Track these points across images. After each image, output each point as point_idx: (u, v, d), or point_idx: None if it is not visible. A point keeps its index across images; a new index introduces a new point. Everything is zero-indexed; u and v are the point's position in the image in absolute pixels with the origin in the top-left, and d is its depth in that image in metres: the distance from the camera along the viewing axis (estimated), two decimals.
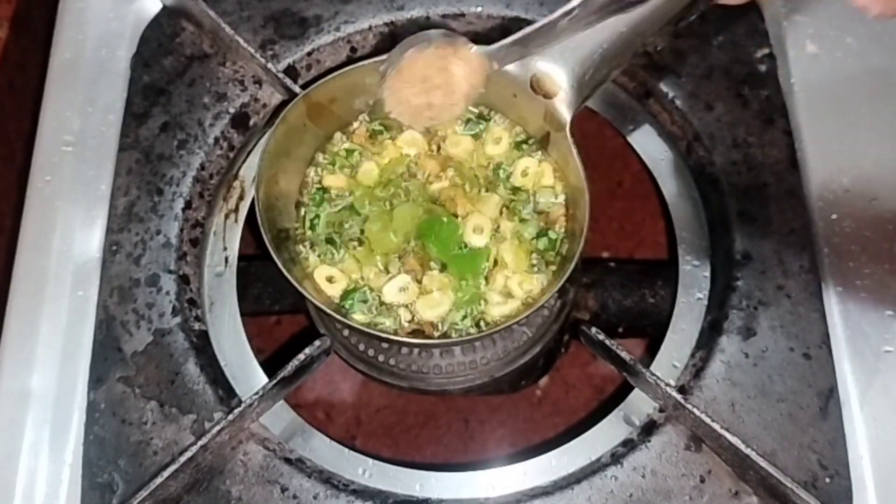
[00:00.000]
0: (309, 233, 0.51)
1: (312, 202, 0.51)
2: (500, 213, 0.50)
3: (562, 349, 0.65)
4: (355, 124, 0.53)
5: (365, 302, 0.49)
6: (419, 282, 0.49)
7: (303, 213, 0.51)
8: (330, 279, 0.49)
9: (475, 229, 0.50)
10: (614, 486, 0.48)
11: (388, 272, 0.49)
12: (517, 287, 0.49)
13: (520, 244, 0.49)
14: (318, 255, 0.50)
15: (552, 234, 0.50)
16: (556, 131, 0.49)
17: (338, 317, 0.47)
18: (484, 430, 0.74)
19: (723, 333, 0.51)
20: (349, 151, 0.52)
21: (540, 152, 0.51)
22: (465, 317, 0.48)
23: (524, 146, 0.52)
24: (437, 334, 0.48)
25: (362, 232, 0.50)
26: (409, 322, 0.49)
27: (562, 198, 0.51)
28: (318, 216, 0.51)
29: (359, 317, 0.48)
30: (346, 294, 0.49)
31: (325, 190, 0.51)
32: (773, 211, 0.54)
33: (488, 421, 0.74)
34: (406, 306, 0.49)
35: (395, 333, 0.48)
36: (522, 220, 0.50)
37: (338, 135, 0.53)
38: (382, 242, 0.50)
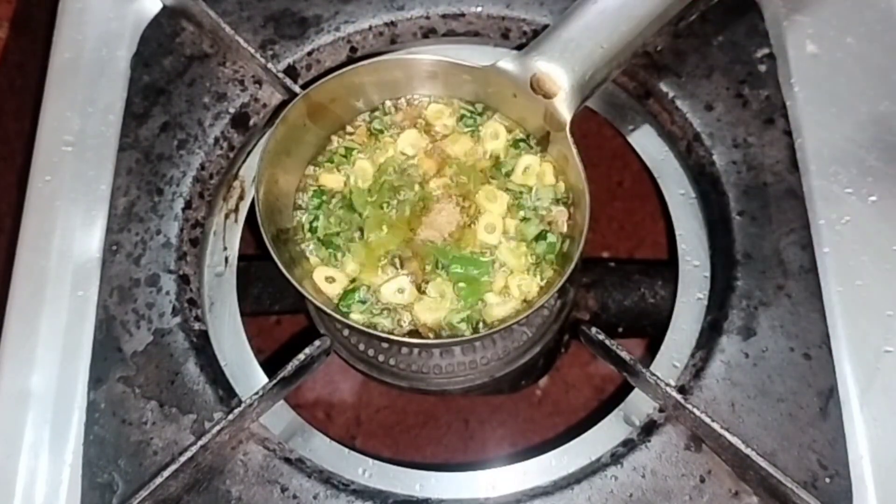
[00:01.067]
0: (308, 234, 0.51)
1: (311, 204, 0.51)
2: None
3: (562, 349, 0.65)
4: (357, 122, 0.53)
5: (364, 302, 0.49)
6: (419, 285, 0.49)
7: (302, 214, 0.51)
8: (329, 279, 0.49)
9: (487, 228, 0.49)
10: (614, 486, 0.48)
11: (387, 273, 0.49)
12: (516, 288, 0.49)
13: (520, 244, 0.49)
14: (318, 256, 0.50)
15: (551, 238, 0.49)
16: (556, 131, 0.49)
17: (338, 317, 0.47)
18: (484, 430, 0.74)
19: (723, 333, 0.51)
20: (348, 150, 0.52)
21: (540, 151, 0.51)
22: (462, 320, 0.48)
23: (522, 144, 0.52)
24: (432, 336, 0.48)
25: (361, 231, 0.50)
26: (407, 324, 0.49)
27: (563, 198, 0.51)
28: (317, 218, 0.51)
29: (357, 317, 0.48)
30: (345, 294, 0.49)
31: (322, 191, 0.51)
32: (773, 211, 0.54)
33: (488, 421, 0.74)
34: (404, 308, 0.49)
35: (393, 334, 0.48)
36: (524, 220, 0.50)
37: (339, 133, 0.53)
38: (381, 243, 0.50)
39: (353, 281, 0.49)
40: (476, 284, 0.49)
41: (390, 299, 0.49)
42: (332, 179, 0.52)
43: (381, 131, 0.52)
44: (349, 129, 0.53)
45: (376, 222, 0.50)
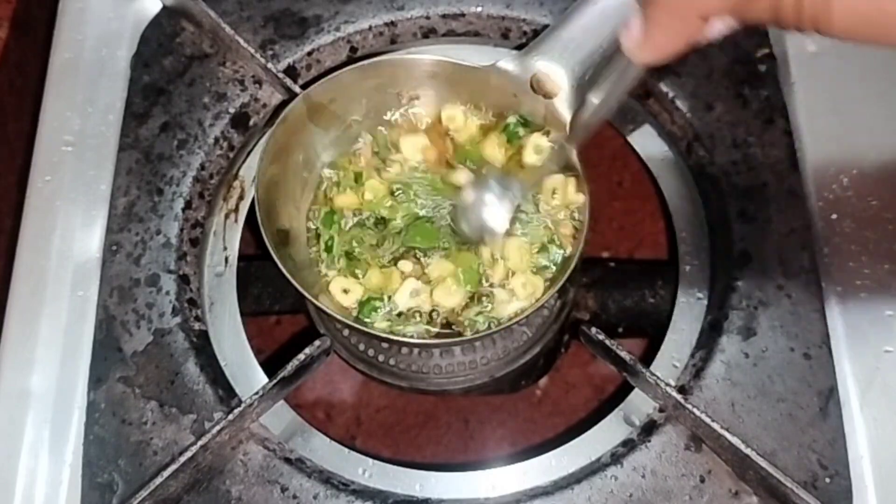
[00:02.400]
0: (325, 255, 0.51)
1: (324, 225, 0.51)
2: None
3: (562, 349, 0.65)
4: (359, 143, 0.53)
5: (378, 311, 0.49)
6: (426, 280, 0.49)
7: (316, 235, 0.51)
8: (346, 291, 0.49)
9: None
10: (614, 486, 0.48)
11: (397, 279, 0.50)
12: (520, 288, 0.49)
13: (523, 243, 0.49)
14: (336, 269, 0.50)
15: (553, 249, 0.49)
16: (557, 131, 0.49)
17: (338, 316, 0.47)
18: (484, 430, 0.74)
19: (723, 333, 0.51)
20: (357, 175, 0.52)
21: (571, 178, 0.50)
22: (479, 313, 0.48)
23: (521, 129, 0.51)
24: (465, 324, 0.48)
25: (378, 243, 0.50)
26: (433, 323, 0.49)
27: (574, 214, 0.50)
28: (332, 237, 0.51)
29: (382, 325, 0.49)
30: (362, 305, 0.49)
31: (334, 212, 0.52)
32: (773, 211, 0.54)
33: (488, 421, 0.74)
34: (422, 312, 0.49)
35: (422, 338, 0.49)
36: (536, 224, 0.50)
37: (346, 155, 0.53)
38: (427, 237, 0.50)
39: (368, 290, 0.50)
40: (471, 272, 0.49)
41: (406, 305, 0.49)
42: (345, 200, 0.52)
43: (387, 149, 0.53)
44: (353, 150, 0.53)
45: (412, 225, 0.50)
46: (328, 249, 0.51)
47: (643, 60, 0.33)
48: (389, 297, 0.49)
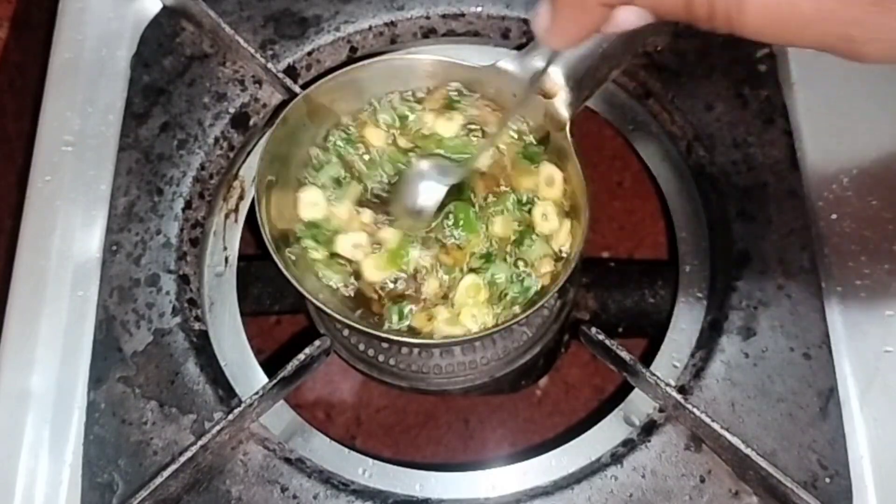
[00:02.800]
0: (313, 171, 0.50)
1: (336, 144, 0.51)
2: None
3: (562, 349, 0.65)
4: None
5: (320, 242, 0.49)
6: (373, 241, 0.49)
7: (319, 149, 0.51)
8: (313, 204, 0.49)
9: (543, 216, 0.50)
10: (614, 486, 0.48)
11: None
12: (469, 320, 0.48)
13: (474, 281, 0.49)
14: (320, 187, 0.50)
15: (528, 282, 0.48)
16: (556, 131, 0.50)
17: (338, 317, 0.47)
18: (484, 430, 0.74)
19: (723, 333, 0.51)
20: (411, 109, 0.52)
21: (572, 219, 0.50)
22: (400, 315, 0.48)
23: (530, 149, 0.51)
24: (377, 296, 0.48)
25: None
26: (354, 283, 0.49)
27: (553, 253, 0.50)
28: (329, 161, 0.51)
29: (316, 255, 0.48)
30: (310, 224, 0.49)
31: (350, 139, 0.51)
32: (773, 211, 0.54)
33: (488, 421, 0.74)
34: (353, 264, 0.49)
35: (340, 290, 0.48)
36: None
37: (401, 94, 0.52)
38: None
39: (328, 216, 0.49)
40: (398, 256, 0.49)
41: (343, 251, 0.49)
42: (375, 135, 0.51)
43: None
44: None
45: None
46: (317, 168, 0.50)
47: (553, 46, 0.33)
48: (335, 234, 0.49)
